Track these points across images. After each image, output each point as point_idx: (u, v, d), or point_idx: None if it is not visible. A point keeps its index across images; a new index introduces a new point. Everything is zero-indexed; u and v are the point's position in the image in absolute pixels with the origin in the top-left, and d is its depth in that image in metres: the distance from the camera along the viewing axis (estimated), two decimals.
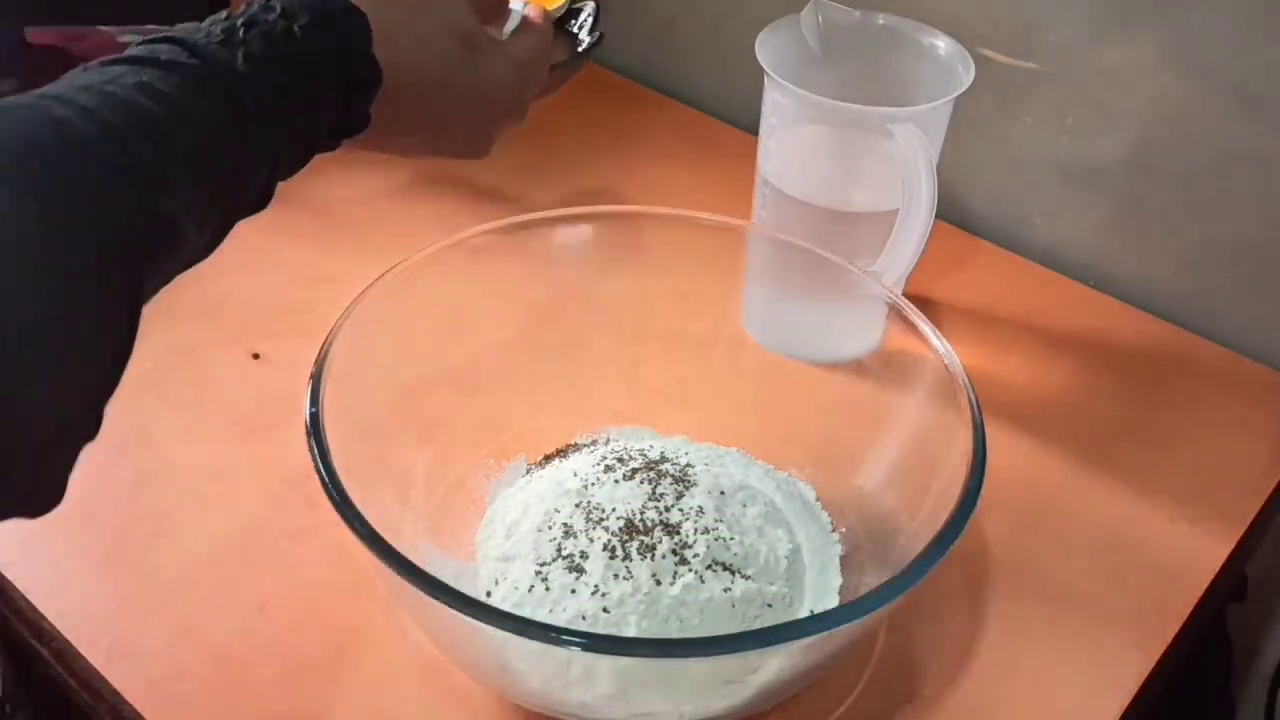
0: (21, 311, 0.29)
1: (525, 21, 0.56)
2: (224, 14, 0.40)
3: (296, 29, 0.40)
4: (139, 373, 0.34)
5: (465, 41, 0.49)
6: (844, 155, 0.67)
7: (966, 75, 0.64)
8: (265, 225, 0.78)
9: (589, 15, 0.66)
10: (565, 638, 0.43)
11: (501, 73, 0.51)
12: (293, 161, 0.41)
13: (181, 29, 0.39)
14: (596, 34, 0.64)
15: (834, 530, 0.59)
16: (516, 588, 0.53)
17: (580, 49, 0.64)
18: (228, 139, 0.37)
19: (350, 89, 0.42)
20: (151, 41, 0.38)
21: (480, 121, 0.51)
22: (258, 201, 0.40)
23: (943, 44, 0.67)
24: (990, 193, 0.85)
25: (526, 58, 0.53)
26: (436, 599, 0.42)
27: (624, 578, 0.52)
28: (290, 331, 0.72)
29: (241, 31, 0.39)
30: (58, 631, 0.55)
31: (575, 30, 0.66)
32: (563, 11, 0.67)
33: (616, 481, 0.57)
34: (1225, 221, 0.75)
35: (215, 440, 0.65)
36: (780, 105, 0.65)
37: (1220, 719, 0.86)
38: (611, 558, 0.52)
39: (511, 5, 0.56)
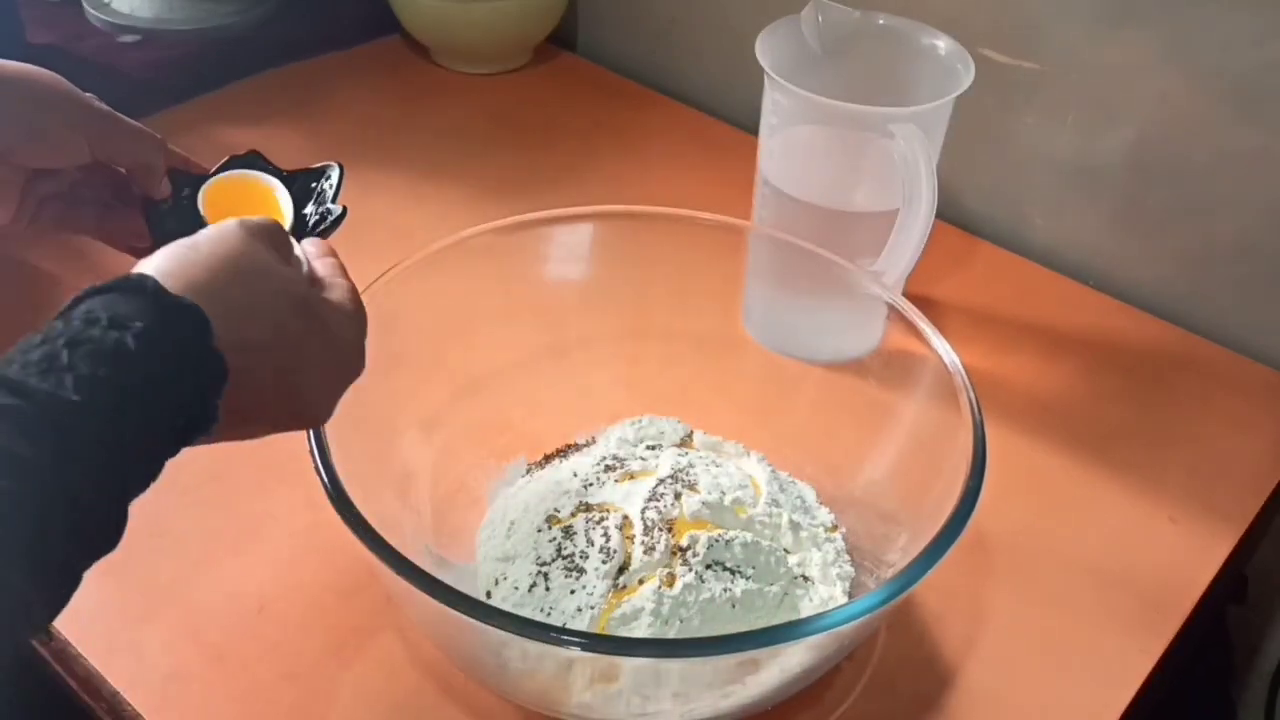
0: None
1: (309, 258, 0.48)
2: (38, 336, 0.35)
3: (129, 339, 0.35)
4: None
5: (302, 309, 0.43)
6: (844, 155, 0.67)
7: (966, 75, 0.64)
8: None
9: (337, 180, 0.58)
10: (565, 638, 0.43)
11: (346, 329, 0.46)
12: (142, 481, 0.37)
13: None
14: (340, 207, 0.56)
15: (834, 530, 0.59)
16: (516, 588, 0.53)
17: (331, 219, 0.56)
18: (67, 487, 0.33)
19: (194, 391, 0.37)
20: None
21: (337, 386, 0.45)
22: (111, 538, 0.35)
23: (943, 44, 0.67)
24: (990, 193, 0.85)
25: (354, 301, 0.47)
26: (436, 599, 0.42)
27: None
28: None
29: (65, 354, 0.34)
30: (57, 631, 0.54)
31: (322, 198, 0.57)
32: (305, 179, 0.58)
33: (616, 481, 0.57)
34: (1225, 221, 0.75)
35: None
36: (780, 105, 0.65)
37: (1220, 719, 0.86)
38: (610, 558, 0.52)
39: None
